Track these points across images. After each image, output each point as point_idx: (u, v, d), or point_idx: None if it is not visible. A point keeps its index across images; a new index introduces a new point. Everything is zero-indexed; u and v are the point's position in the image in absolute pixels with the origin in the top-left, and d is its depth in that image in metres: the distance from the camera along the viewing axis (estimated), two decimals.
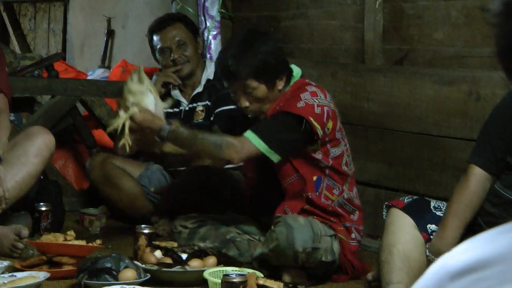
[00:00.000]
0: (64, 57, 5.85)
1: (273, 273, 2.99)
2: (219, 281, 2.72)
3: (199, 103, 4.09)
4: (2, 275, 2.86)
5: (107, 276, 2.82)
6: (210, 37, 4.60)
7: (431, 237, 2.67)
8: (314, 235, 2.97)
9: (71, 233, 3.29)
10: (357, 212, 3.22)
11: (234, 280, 2.61)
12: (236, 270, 2.83)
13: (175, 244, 3.13)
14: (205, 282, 2.87)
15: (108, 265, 2.84)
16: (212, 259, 3.03)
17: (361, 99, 3.88)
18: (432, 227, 2.68)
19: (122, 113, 3.11)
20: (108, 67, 5.79)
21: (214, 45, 4.58)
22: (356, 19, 3.95)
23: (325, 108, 3.10)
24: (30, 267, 3.00)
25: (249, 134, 3.05)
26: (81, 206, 4.24)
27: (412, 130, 3.63)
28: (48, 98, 4.74)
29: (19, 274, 2.86)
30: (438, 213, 2.71)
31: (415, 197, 2.86)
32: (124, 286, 2.76)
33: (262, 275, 2.81)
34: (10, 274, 2.88)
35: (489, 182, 2.60)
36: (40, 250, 3.20)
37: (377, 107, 3.81)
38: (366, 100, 3.86)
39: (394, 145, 3.72)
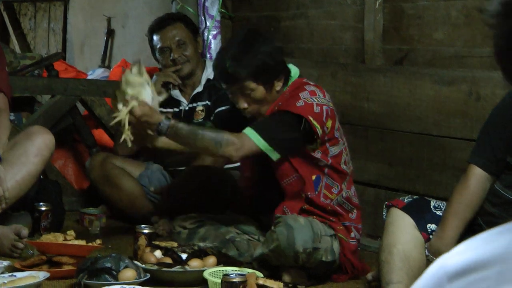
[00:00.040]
0: (64, 56, 5.84)
1: (273, 273, 2.99)
2: (219, 281, 2.72)
3: (199, 103, 4.09)
4: (2, 275, 2.85)
5: (107, 276, 2.82)
6: (210, 37, 4.60)
7: (431, 236, 2.67)
8: (315, 235, 2.97)
9: (71, 233, 3.29)
10: (355, 210, 3.22)
11: (234, 280, 2.61)
12: (236, 270, 2.83)
13: (175, 244, 3.12)
14: (205, 282, 2.87)
15: (108, 265, 2.84)
16: (212, 259, 3.03)
17: (361, 99, 3.88)
18: (432, 226, 2.68)
19: (121, 107, 3.02)
20: (108, 67, 5.78)
21: (214, 45, 4.57)
22: (356, 19, 3.94)
23: (324, 107, 3.09)
24: (30, 267, 3.00)
25: (248, 131, 3.04)
26: (81, 206, 4.23)
27: (412, 130, 3.62)
28: (48, 97, 4.74)
29: (19, 274, 2.85)
30: (438, 212, 2.71)
31: (415, 197, 2.85)
32: (124, 286, 2.76)
33: (262, 275, 2.80)
34: (10, 274, 2.88)
35: (489, 182, 2.60)
36: (40, 250, 3.20)
37: (377, 107, 3.80)
38: (366, 100, 3.86)
39: (394, 145, 3.72)
